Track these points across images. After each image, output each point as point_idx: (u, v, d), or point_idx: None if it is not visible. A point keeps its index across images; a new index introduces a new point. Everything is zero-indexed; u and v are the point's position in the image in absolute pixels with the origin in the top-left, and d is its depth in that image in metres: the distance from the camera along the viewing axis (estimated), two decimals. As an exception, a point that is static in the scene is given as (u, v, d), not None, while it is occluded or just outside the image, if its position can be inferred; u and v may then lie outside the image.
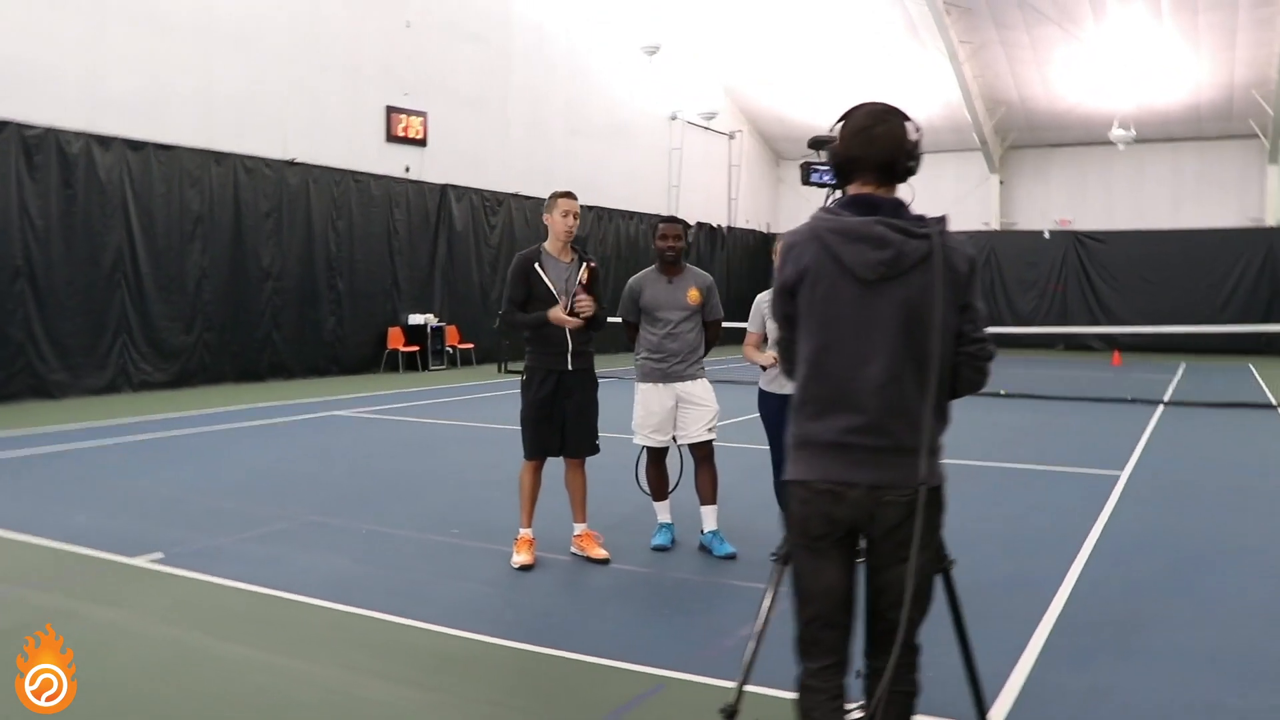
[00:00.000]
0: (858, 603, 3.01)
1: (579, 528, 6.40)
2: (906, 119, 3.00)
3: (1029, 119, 29.63)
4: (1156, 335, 22.76)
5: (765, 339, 6.42)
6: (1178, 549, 6.80)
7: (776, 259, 3.18)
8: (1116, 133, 26.94)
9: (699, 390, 6.57)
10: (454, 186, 20.85)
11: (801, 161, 3.96)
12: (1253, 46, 25.17)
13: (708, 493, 6.58)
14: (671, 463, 6.81)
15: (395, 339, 19.44)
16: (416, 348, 19.60)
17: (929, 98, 28.93)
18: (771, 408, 6.37)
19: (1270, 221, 28.54)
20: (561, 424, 6.23)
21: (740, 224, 31.39)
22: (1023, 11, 25.06)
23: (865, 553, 2.98)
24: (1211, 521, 7.68)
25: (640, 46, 25.34)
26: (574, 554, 6.37)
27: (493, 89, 22.13)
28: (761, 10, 25.88)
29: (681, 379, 6.53)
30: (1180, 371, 21.24)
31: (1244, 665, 4.69)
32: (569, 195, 6.25)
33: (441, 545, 6.67)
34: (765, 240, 32.56)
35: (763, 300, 6.45)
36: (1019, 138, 30.62)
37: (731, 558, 6.36)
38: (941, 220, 2.95)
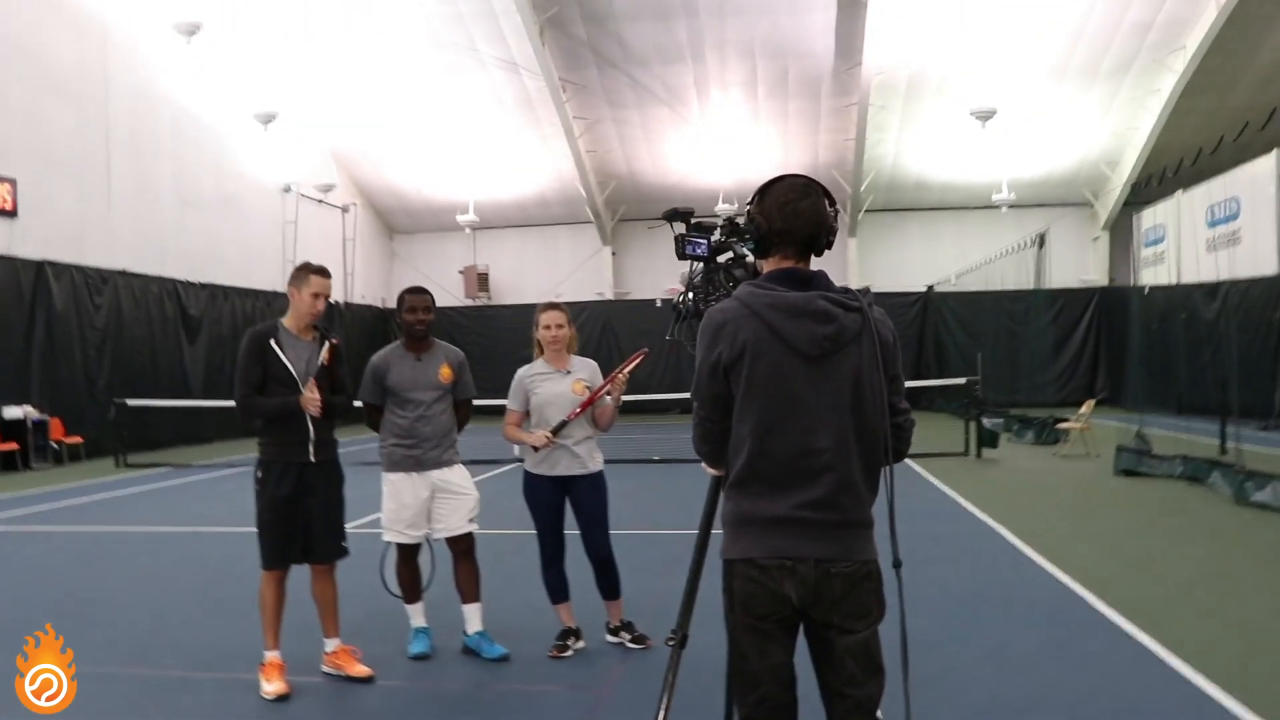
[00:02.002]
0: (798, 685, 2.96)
1: (332, 643, 5.60)
2: (826, 193, 2.96)
3: (638, 192, 30.84)
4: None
5: (527, 415, 5.98)
6: (936, 601, 6.92)
7: (700, 337, 2.97)
8: (722, 207, 28.57)
9: (456, 477, 5.98)
10: (52, 263, 18.46)
11: (676, 234, 3.66)
12: (833, 132, 27.76)
13: (470, 590, 5.98)
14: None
15: (-12, 436, 16.90)
16: (14, 445, 17.12)
17: (543, 171, 29.55)
18: (539, 490, 5.92)
19: (852, 287, 31.32)
20: (306, 525, 5.43)
21: (357, 299, 30.33)
22: (634, 91, 26.16)
23: (808, 632, 2.93)
24: (943, 571, 7.93)
25: (254, 114, 24.00)
26: (327, 673, 5.55)
27: (93, 155, 19.95)
28: (375, 82, 25.33)
29: (438, 465, 5.91)
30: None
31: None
32: (324, 273, 5.54)
33: (164, 681, 5.58)
34: (382, 316, 31.66)
35: (524, 376, 6.01)
36: (629, 210, 31.74)
37: (505, 659, 5.79)
38: (867, 292, 2.94)
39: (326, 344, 5.55)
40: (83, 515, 12.17)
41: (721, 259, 3.80)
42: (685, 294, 3.81)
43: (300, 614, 5.63)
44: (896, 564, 2.91)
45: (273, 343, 5.40)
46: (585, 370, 6.01)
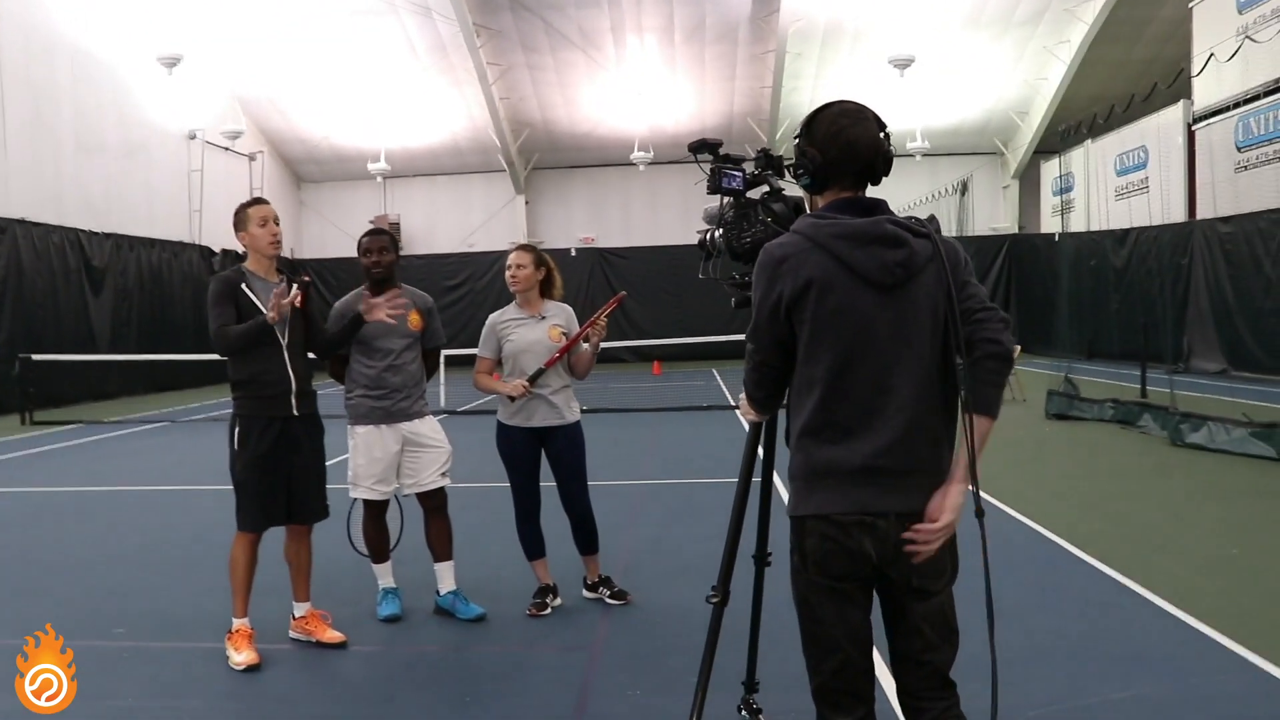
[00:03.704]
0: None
1: (301, 608, 5.29)
2: (878, 117, 2.75)
3: (552, 140, 30.37)
4: (682, 345, 23.62)
5: (499, 364, 5.70)
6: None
7: (757, 276, 2.75)
8: (638, 155, 28.29)
9: (427, 429, 5.69)
10: (-56, 212, 17.48)
11: (711, 166, 3.43)
12: (750, 79, 27.55)
13: (443, 548, 5.72)
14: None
15: (-120, 395, 15.95)
16: (-90, 404, 16.23)
17: (456, 119, 28.94)
18: (516, 443, 5.65)
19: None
20: (287, 483, 5.09)
21: (264, 250, 29.40)
22: (549, 37, 25.63)
23: (882, 593, 2.77)
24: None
25: (157, 57, 22.86)
26: (296, 639, 5.25)
27: (-20, 96, 18.84)
28: (284, 26, 24.35)
29: (408, 417, 5.61)
30: (718, 377, 22.43)
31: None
32: (261, 201, 5.19)
33: (118, 653, 5.20)
34: (290, 267, 30.78)
35: (496, 322, 5.73)
36: (542, 159, 31.26)
37: (481, 619, 5.55)
38: (934, 219, 2.76)
39: (296, 285, 5.17)
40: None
41: (754, 194, 3.57)
42: (714, 231, 3.58)
43: (261, 576, 5.25)
44: (979, 512, 2.71)
45: (243, 286, 5.03)
46: (561, 315, 5.74)
